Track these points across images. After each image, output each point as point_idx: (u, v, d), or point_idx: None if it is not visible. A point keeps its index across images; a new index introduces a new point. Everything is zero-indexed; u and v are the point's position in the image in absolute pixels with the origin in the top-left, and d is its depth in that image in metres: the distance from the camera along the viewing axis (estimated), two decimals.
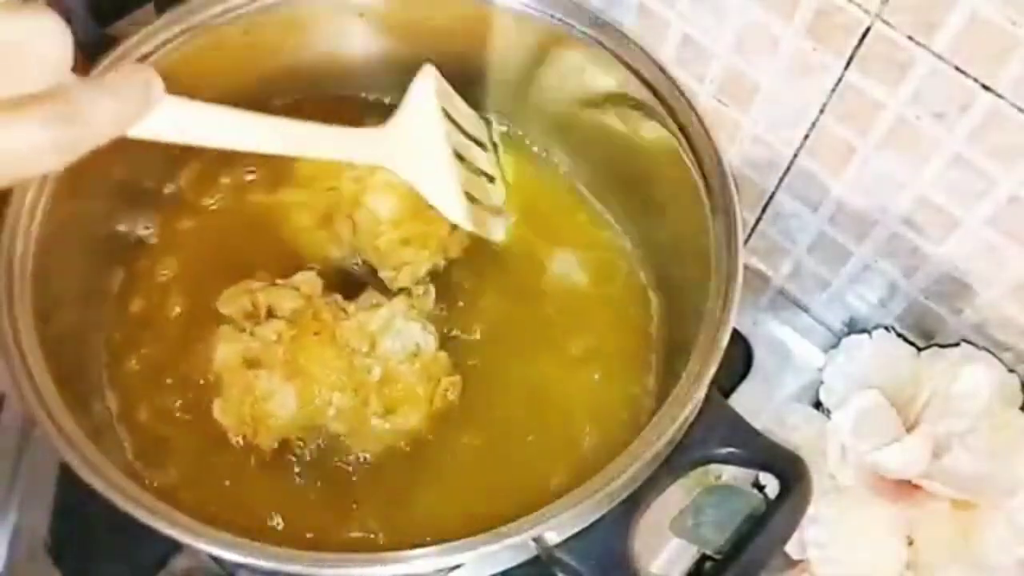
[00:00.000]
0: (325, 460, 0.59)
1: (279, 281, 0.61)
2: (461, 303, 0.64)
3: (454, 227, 0.64)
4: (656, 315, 0.65)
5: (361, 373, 0.58)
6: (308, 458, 0.59)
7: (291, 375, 0.57)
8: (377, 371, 0.59)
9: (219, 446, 0.58)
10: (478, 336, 0.63)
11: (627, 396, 0.62)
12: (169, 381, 0.60)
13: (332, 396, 0.58)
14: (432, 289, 0.63)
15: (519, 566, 0.51)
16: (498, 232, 0.66)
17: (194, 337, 0.61)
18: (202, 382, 0.60)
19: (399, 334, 0.60)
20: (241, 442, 0.58)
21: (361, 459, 0.59)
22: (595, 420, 0.61)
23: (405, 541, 0.48)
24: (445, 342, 0.62)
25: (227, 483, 0.58)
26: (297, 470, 0.58)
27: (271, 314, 0.60)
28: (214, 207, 0.67)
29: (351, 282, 0.64)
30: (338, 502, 0.58)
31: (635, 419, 0.60)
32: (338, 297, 0.62)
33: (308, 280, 0.62)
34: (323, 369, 0.58)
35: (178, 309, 0.63)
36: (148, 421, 0.59)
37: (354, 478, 0.58)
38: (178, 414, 0.60)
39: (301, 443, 0.59)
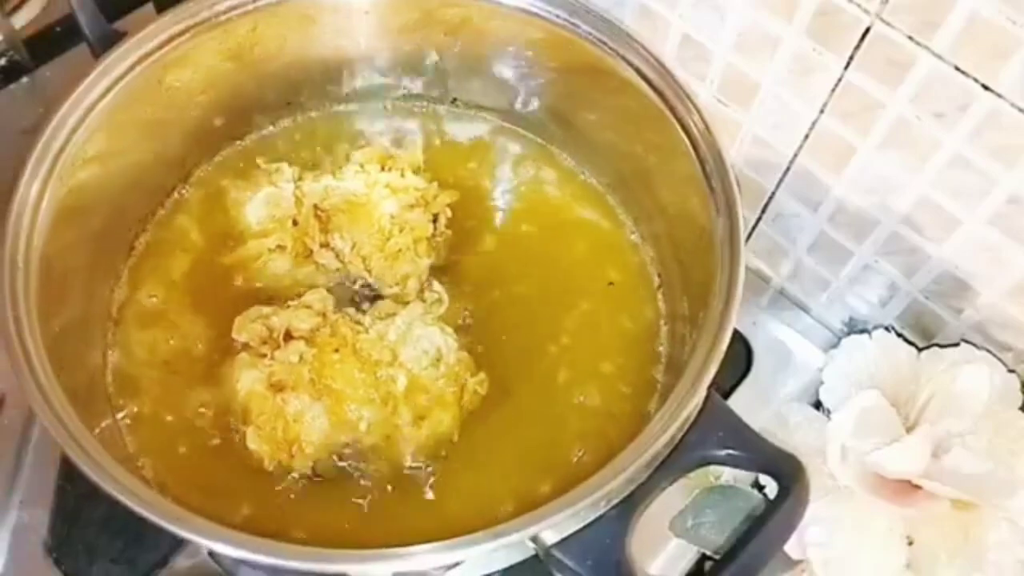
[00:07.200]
0: (362, 474, 0.58)
1: (290, 303, 0.61)
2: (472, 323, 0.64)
3: (435, 219, 0.64)
4: (662, 313, 0.65)
5: (387, 384, 0.58)
6: (345, 473, 0.58)
7: (319, 394, 0.57)
8: (402, 380, 0.58)
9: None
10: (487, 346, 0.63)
11: (630, 393, 0.62)
12: (173, 384, 0.61)
13: (362, 411, 0.57)
14: (446, 297, 0.63)
15: (517, 565, 0.51)
16: None
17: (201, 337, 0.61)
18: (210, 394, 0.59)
19: (419, 341, 0.59)
20: (274, 467, 0.57)
21: (398, 468, 0.58)
22: (599, 417, 0.61)
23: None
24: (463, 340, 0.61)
25: (253, 504, 0.57)
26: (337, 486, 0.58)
27: (289, 336, 0.59)
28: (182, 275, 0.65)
29: (357, 297, 0.64)
30: (381, 513, 0.57)
31: (636, 418, 0.60)
32: (351, 311, 0.61)
33: (320, 298, 0.61)
34: (349, 384, 0.57)
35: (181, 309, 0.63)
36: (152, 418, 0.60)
37: (391, 488, 0.58)
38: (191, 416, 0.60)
39: (337, 460, 0.58)
